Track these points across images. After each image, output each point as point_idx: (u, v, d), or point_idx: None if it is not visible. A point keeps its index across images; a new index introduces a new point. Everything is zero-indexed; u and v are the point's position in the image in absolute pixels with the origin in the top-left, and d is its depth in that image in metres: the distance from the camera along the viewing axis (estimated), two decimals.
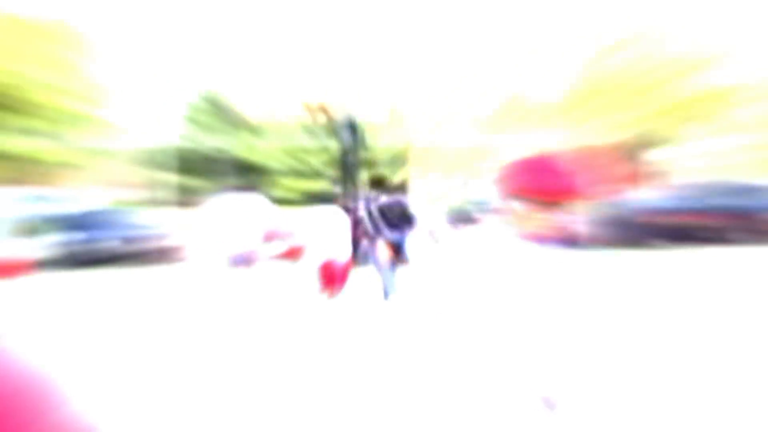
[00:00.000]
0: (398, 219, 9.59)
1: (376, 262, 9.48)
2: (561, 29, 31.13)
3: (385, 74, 31.48)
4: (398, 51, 31.14)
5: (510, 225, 3.90)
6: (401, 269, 9.69)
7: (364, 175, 30.36)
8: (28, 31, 25.89)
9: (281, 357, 6.74)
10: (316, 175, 30.32)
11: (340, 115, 30.71)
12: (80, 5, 28.11)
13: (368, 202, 9.46)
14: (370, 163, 31.41)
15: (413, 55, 31.29)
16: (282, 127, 31.93)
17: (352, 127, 30.62)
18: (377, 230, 8.97)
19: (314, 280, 8.05)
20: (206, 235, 8.22)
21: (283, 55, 31.24)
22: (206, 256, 8.25)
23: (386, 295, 9.37)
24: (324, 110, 30.60)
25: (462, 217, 25.55)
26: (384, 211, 9.40)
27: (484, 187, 31.92)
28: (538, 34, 31.39)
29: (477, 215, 25.83)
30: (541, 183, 3.99)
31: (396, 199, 10.27)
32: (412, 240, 10.15)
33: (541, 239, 5.27)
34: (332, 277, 8.12)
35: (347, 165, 30.30)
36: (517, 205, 3.45)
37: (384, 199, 10.15)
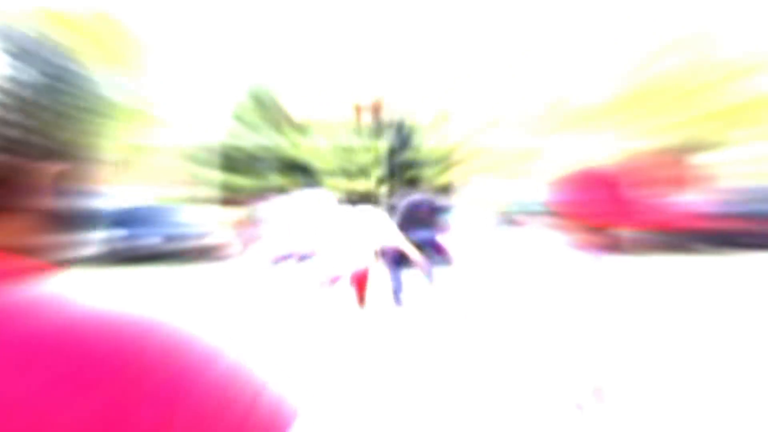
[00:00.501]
0: (427, 218, 9.48)
1: (387, 261, 9.41)
2: (609, 32, 30.83)
3: (433, 75, 31.35)
4: (446, 52, 31.00)
5: (555, 232, 3.70)
6: (438, 267, 9.62)
7: (409, 176, 30.33)
8: (72, 26, 26.08)
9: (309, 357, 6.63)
10: (361, 174, 30.22)
11: (387, 115, 30.67)
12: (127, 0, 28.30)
13: (394, 200, 9.40)
14: (415, 164, 31.28)
15: (461, 56, 31.13)
16: (328, 126, 31.90)
17: (399, 128, 30.58)
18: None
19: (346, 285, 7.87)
20: (274, 231, 8.12)
21: (331, 54, 31.25)
22: (266, 251, 8.14)
23: (396, 294, 9.28)
24: (371, 110, 30.55)
25: (507, 220, 25.31)
26: (411, 210, 9.27)
27: (530, 189, 31.61)
28: (585, 36, 31.11)
29: (522, 218, 25.55)
30: (590, 210, 3.78)
31: (425, 198, 10.17)
32: (442, 238, 10.04)
33: (586, 246, 5.03)
34: (362, 281, 7.93)
35: (393, 165, 30.22)
36: (565, 225, 3.25)
37: (416, 197, 10.05)
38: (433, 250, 9.60)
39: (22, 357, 0.57)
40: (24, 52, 0.67)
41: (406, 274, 9.59)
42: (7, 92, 0.64)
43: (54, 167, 0.69)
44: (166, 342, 0.62)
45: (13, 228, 0.69)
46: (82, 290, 0.66)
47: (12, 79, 0.65)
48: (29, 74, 0.67)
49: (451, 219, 17.59)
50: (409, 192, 10.71)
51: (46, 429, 0.54)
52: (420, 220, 9.46)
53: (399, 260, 9.31)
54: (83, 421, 0.55)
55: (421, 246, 9.05)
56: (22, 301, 0.62)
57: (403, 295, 9.51)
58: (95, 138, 0.76)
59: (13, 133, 0.64)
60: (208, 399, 0.61)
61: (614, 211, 5.90)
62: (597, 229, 5.77)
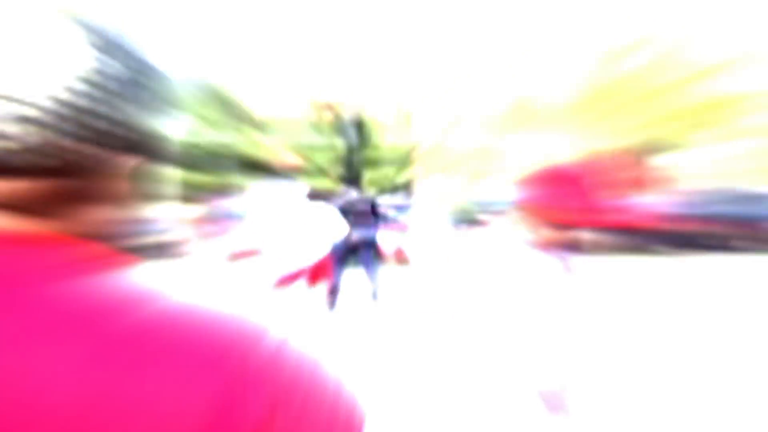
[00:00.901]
0: (364, 217, 9.53)
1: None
2: (570, 32, 31.00)
3: (394, 73, 31.37)
4: (407, 50, 31.04)
5: (517, 231, 3.73)
6: (376, 267, 9.70)
7: (369, 174, 30.27)
8: None
9: None
10: (320, 172, 30.15)
11: (347, 113, 30.61)
12: None
13: (332, 200, 9.41)
14: (374, 162, 31.24)
15: (422, 54, 31.19)
16: (288, 124, 31.78)
17: (359, 126, 30.52)
18: None
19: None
20: (234, 228, 8.10)
21: (291, 51, 31.17)
22: (226, 247, 8.12)
23: (336, 294, 9.31)
24: (331, 108, 30.47)
25: (467, 219, 25.40)
26: (351, 210, 9.30)
27: (491, 189, 31.79)
28: (547, 36, 31.25)
29: (484, 218, 25.69)
30: (553, 207, 3.83)
31: (363, 198, 10.25)
32: (381, 238, 10.14)
33: (547, 246, 5.09)
34: (315, 275, 7.90)
35: (352, 163, 30.17)
36: (529, 222, 3.28)
37: (356, 197, 10.12)
38: (372, 250, 9.69)
39: (129, 350, 0.59)
40: (109, 45, 0.70)
41: (348, 273, 9.62)
42: (94, 84, 0.66)
43: (133, 159, 0.73)
44: (263, 337, 0.65)
45: (95, 217, 0.72)
46: (172, 282, 0.68)
47: (99, 72, 0.67)
48: (114, 67, 0.69)
49: (408, 218, 17.60)
50: (361, 191, 10.79)
51: (154, 422, 0.56)
52: (359, 220, 9.49)
53: (344, 259, 9.35)
54: (193, 413, 0.57)
55: (360, 246, 9.13)
56: (120, 292, 0.64)
57: (342, 295, 9.57)
58: (165, 131, 0.81)
59: (101, 124, 0.67)
60: (305, 396, 0.63)
61: (577, 209, 5.94)
62: (559, 228, 5.80)
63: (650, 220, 17.31)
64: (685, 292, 11.45)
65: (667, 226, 18.29)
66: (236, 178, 29.54)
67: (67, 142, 0.64)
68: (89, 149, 0.66)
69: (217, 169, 31.59)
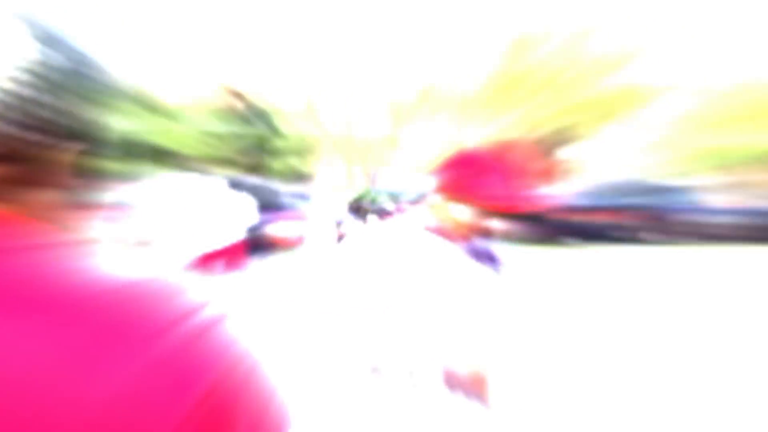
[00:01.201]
0: (260, 204, 9.43)
1: None
2: (478, 21, 31.19)
3: (300, 62, 31.27)
4: (314, 38, 30.97)
5: (424, 219, 3.69)
6: (266, 254, 9.65)
7: (277, 163, 30.09)
8: None
9: None
10: (229, 162, 29.91)
11: (254, 101, 30.36)
12: None
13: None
14: (280, 151, 31.07)
15: (328, 43, 31.16)
16: (196, 113, 31.46)
17: (265, 115, 30.32)
18: None
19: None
20: (140, 215, 8.00)
21: (199, 39, 30.86)
22: (131, 235, 8.02)
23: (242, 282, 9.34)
24: (239, 96, 30.22)
25: (371, 209, 25.49)
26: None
27: (398, 177, 31.91)
28: (455, 24, 31.41)
29: (389, 207, 25.72)
30: (469, 194, 3.80)
31: (259, 183, 10.15)
32: (276, 225, 10.07)
33: (454, 235, 5.04)
34: (227, 260, 7.86)
35: (258, 152, 29.95)
36: (443, 205, 3.24)
37: (253, 182, 10.01)
38: (264, 237, 9.67)
39: (74, 324, 0.60)
40: (51, 38, 0.72)
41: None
42: (38, 75, 0.69)
43: (76, 146, 0.76)
44: (200, 314, 0.68)
45: (39, 202, 0.74)
46: (106, 261, 0.71)
47: (42, 63, 0.70)
48: (57, 59, 0.72)
49: (309, 206, 17.58)
50: (263, 179, 10.71)
51: (71, 400, 0.57)
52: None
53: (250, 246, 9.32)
54: (140, 388, 0.59)
55: (253, 233, 9.11)
56: (58, 271, 0.66)
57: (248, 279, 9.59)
58: (106, 120, 0.86)
59: (45, 113, 0.70)
60: (244, 375, 0.67)
61: (491, 195, 5.93)
62: (472, 215, 5.80)
63: (557, 211, 17.45)
64: (592, 284, 11.62)
65: (574, 216, 18.50)
66: (142, 166, 29.16)
67: (12, 130, 0.67)
68: (33, 137, 0.69)
69: (123, 156, 31.10)
